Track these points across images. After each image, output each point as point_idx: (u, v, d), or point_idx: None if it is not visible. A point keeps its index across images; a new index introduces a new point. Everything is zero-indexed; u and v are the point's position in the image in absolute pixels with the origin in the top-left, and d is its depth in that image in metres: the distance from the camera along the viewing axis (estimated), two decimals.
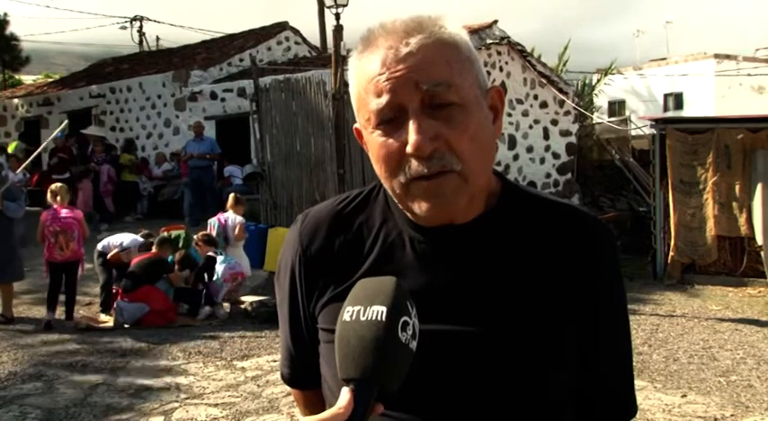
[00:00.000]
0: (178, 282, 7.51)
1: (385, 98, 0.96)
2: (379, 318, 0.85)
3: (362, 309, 0.86)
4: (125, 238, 7.89)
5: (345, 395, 0.83)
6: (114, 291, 7.58)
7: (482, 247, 1.04)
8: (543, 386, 1.01)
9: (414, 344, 0.87)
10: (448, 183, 0.97)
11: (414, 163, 0.96)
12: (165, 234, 8.11)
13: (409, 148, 0.95)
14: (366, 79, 0.98)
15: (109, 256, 7.39)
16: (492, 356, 1.00)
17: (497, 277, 1.03)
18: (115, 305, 7.29)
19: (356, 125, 1.06)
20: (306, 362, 1.14)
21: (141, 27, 26.58)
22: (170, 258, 7.87)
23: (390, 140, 0.98)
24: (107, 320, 7.34)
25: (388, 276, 0.91)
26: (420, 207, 0.99)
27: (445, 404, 1.00)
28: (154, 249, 7.59)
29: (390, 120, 0.97)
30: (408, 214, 1.05)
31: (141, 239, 7.92)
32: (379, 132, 0.99)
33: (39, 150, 9.82)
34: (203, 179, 12.23)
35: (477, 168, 0.98)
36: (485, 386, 1.00)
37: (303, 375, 1.17)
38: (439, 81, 0.95)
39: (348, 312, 0.87)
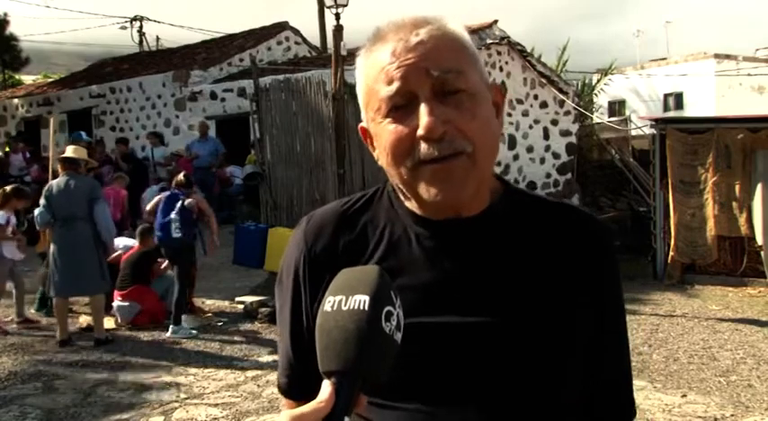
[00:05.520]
0: (159, 274, 7.47)
1: (396, 85, 0.98)
2: (361, 308, 0.81)
3: (344, 298, 0.83)
4: (124, 242, 7.91)
5: (326, 388, 0.80)
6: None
7: (488, 240, 1.05)
8: (552, 377, 1.02)
9: (398, 336, 0.84)
10: (458, 166, 0.97)
11: (423, 146, 0.97)
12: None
13: (421, 131, 0.96)
14: (377, 70, 1.00)
15: (109, 259, 7.39)
16: (502, 348, 1.00)
17: (504, 269, 1.03)
18: (114, 305, 7.30)
19: (361, 124, 1.06)
20: (306, 369, 1.08)
21: (141, 27, 26.60)
22: None
23: (401, 127, 0.98)
24: (108, 320, 7.34)
25: (370, 265, 0.88)
26: (429, 192, 0.99)
27: (457, 396, 1.00)
28: (137, 242, 7.58)
29: (401, 108, 0.98)
30: (414, 207, 1.05)
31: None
32: (389, 120, 1.00)
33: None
34: (207, 180, 12.22)
35: (485, 153, 1.00)
36: (495, 378, 1.00)
37: (302, 385, 1.10)
38: (449, 68, 0.97)
39: (329, 302, 0.84)
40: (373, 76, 1.00)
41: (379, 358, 0.82)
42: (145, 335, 6.85)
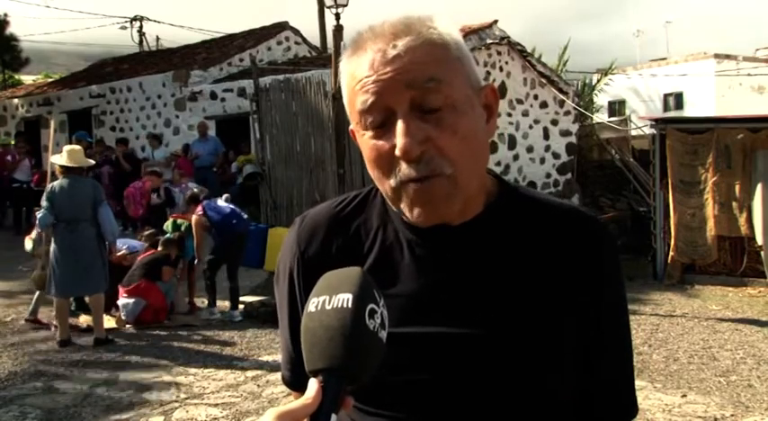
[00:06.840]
0: (169, 277, 7.48)
1: (373, 101, 0.96)
2: (345, 305, 0.82)
3: (328, 298, 0.83)
4: (128, 243, 7.92)
5: (313, 385, 0.80)
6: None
7: (480, 248, 1.03)
8: (544, 387, 1.01)
9: (383, 335, 0.84)
10: (438, 188, 0.95)
11: (403, 166, 0.95)
12: (177, 221, 8.19)
13: (397, 151, 0.94)
14: (354, 82, 0.98)
15: (114, 257, 7.39)
16: (493, 358, 0.99)
17: (496, 278, 1.02)
18: (119, 303, 7.31)
19: (351, 127, 1.05)
20: None
21: (141, 27, 26.61)
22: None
23: (380, 143, 0.97)
24: (108, 320, 7.34)
25: (352, 267, 0.88)
26: (412, 211, 0.98)
27: (447, 406, 1.00)
28: (160, 248, 7.62)
29: (379, 123, 0.97)
30: (404, 216, 1.04)
31: (142, 244, 7.90)
32: (369, 134, 0.98)
33: None
34: (208, 179, 12.23)
35: (468, 171, 0.97)
36: (486, 388, 0.99)
37: (304, 377, 1.13)
38: (429, 77, 0.94)
39: (313, 303, 0.84)
40: (353, 89, 0.99)
41: (364, 355, 0.82)
42: (145, 335, 6.85)
